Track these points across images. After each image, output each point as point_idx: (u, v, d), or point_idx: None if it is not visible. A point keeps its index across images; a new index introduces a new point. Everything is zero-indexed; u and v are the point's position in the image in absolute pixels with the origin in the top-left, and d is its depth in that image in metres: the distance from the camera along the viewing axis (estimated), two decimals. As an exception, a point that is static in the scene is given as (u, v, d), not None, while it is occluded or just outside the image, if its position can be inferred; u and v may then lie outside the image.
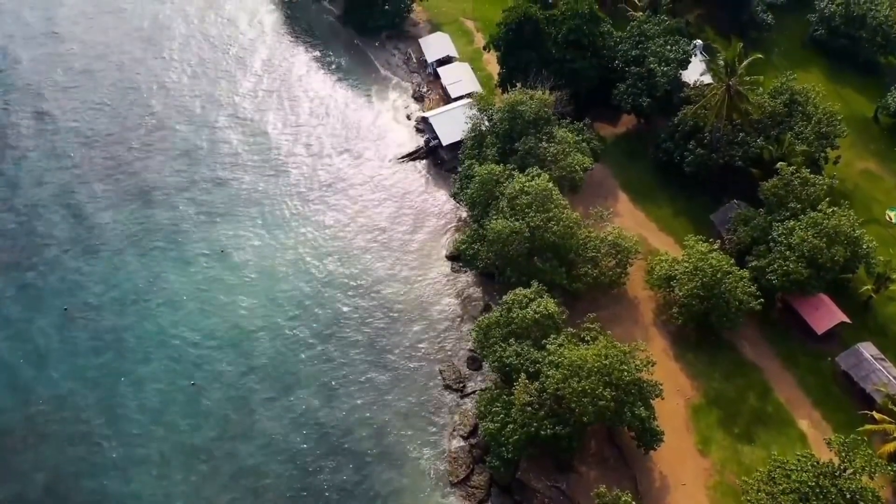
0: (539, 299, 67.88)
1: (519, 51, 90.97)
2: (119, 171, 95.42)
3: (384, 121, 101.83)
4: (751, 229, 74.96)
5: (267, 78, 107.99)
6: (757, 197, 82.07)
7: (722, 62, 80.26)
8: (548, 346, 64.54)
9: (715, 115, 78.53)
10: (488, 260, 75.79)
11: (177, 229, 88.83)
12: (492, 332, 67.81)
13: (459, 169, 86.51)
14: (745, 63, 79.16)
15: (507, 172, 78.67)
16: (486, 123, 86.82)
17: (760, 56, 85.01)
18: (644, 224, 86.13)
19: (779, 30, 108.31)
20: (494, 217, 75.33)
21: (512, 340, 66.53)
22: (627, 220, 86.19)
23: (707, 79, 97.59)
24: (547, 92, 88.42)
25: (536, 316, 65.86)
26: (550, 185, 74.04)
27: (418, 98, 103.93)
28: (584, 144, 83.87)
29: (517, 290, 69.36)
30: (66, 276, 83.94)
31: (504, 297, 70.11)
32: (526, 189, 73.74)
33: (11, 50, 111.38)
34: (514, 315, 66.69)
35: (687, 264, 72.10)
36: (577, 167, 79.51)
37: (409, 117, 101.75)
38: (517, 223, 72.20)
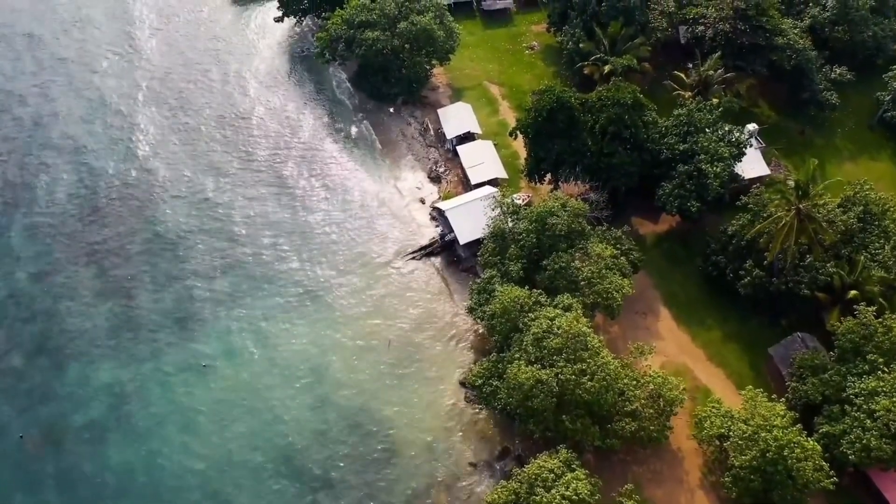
0: (568, 474, 56.75)
1: (549, 140, 79.71)
2: (97, 257, 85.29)
3: (394, 205, 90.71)
4: (821, 384, 63.14)
5: (265, 148, 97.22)
6: (822, 322, 71.08)
7: (792, 183, 68.49)
8: (578, 543, 53.49)
9: (780, 243, 66.79)
10: (508, 404, 64.70)
11: (156, 335, 78.46)
12: (510, 512, 56.89)
13: (478, 280, 75.52)
14: (821, 186, 67.35)
15: (533, 298, 67.50)
16: (510, 224, 75.75)
17: (840, 179, 73.16)
18: (689, 350, 74.56)
19: (843, 108, 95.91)
20: (517, 355, 64.35)
21: (534, 527, 55.56)
22: (670, 345, 74.75)
23: (761, 167, 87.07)
24: (580, 186, 77.61)
25: (564, 502, 54.69)
26: (584, 327, 62.75)
27: (434, 178, 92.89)
28: (622, 259, 72.48)
29: (541, 461, 58.35)
30: (29, 392, 74.02)
31: (525, 469, 59.02)
32: (555, 329, 62.57)
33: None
34: (538, 498, 55.59)
35: (744, 427, 60.54)
36: (614, 293, 68.23)
37: (423, 201, 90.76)
38: (543, 372, 61.08)
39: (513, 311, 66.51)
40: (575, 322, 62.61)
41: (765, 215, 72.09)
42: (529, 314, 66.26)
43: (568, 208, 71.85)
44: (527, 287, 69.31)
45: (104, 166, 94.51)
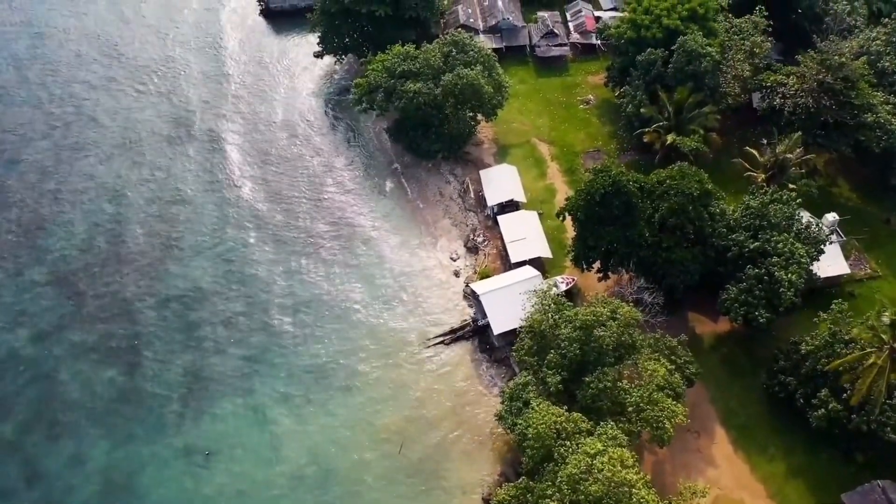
0: None
1: (601, 226, 71.16)
2: (105, 315, 79.69)
3: (425, 276, 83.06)
4: (908, 560, 53.70)
5: (292, 200, 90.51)
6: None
7: (887, 319, 58.78)
8: None
9: (868, 385, 57.30)
10: (536, 546, 56.73)
11: (158, 412, 72.62)
12: None
13: (511, 383, 67.51)
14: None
15: (572, 424, 59.13)
16: (551, 320, 67.26)
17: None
18: (747, 484, 65.30)
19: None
20: (548, 491, 56.17)
21: None
22: (725, 475, 65.72)
23: (840, 265, 77.32)
24: (632, 277, 69.01)
25: None
26: (631, 472, 54.16)
27: (471, 249, 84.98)
28: (676, 376, 63.63)
29: None
30: (18, 469, 68.67)
31: None
32: (595, 471, 54.20)
33: None
34: None
35: None
36: (665, 422, 59.55)
37: (457, 274, 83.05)
38: (578, 523, 52.92)
39: (548, 438, 58.31)
40: (619, 467, 54.10)
41: (846, 338, 62.69)
42: (567, 442, 58.03)
43: (618, 316, 63.26)
44: (564, 406, 61.00)
45: (122, 213, 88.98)
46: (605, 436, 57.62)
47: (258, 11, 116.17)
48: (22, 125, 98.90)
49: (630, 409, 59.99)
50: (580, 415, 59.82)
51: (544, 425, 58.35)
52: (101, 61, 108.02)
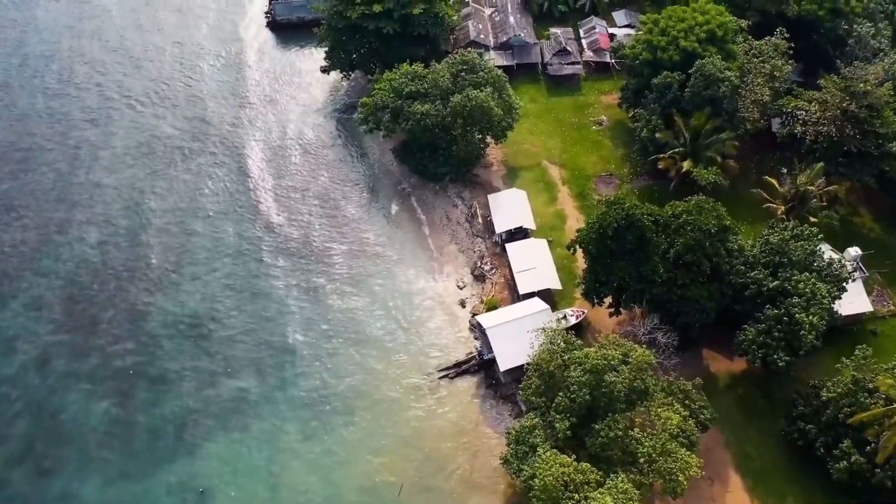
0: None
1: (613, 260, 68.37)
2: (103, 341, 77.32)
3: (430, 305, 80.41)
4: None
5: (295, 221, 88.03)
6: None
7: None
8: None
9: (894, 443, 54.32)
10: None
11: (152, 446, 70.37)
12: None
13: (517, 424, 64.76)
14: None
15: (580, 473, 56.39)
16: (559, 360, 64.47)
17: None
18: (764, 536, 62.77)
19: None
20: (556, 547, 53.72)
21: None
22: (740, 526, 63.06)
23: (862, 302, 74.26)
24: (645, 314, 66.11)
25: None
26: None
27: (478, 277, 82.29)
28: (690, 422, 60.81)
29: None
30: (9, 502, 66.80)
31: None
32: (605, 529, 51.61)
33: None
34: None
35: None
36: (678, 474, 56.74)
37: (463, 304, 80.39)
38: (587, 585, 50.27)
39: (555, 490, 55.62)
40: (630, 525, 51.46)
41: (870, 387, 59.74)
42: (575, 494, 55.34)
43: (630, 360, 60.48)
44: (573, 455, 58.32)
45: (129, 228, 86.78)
46: (615, 489, 54.92)
47: (265, 24, 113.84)
48: (31, 136, 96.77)
49: (642, 459, 57.24)
50: (589, 465, 57.17)
51: (551, 476, 55.69)
52: (112, 72, 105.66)
